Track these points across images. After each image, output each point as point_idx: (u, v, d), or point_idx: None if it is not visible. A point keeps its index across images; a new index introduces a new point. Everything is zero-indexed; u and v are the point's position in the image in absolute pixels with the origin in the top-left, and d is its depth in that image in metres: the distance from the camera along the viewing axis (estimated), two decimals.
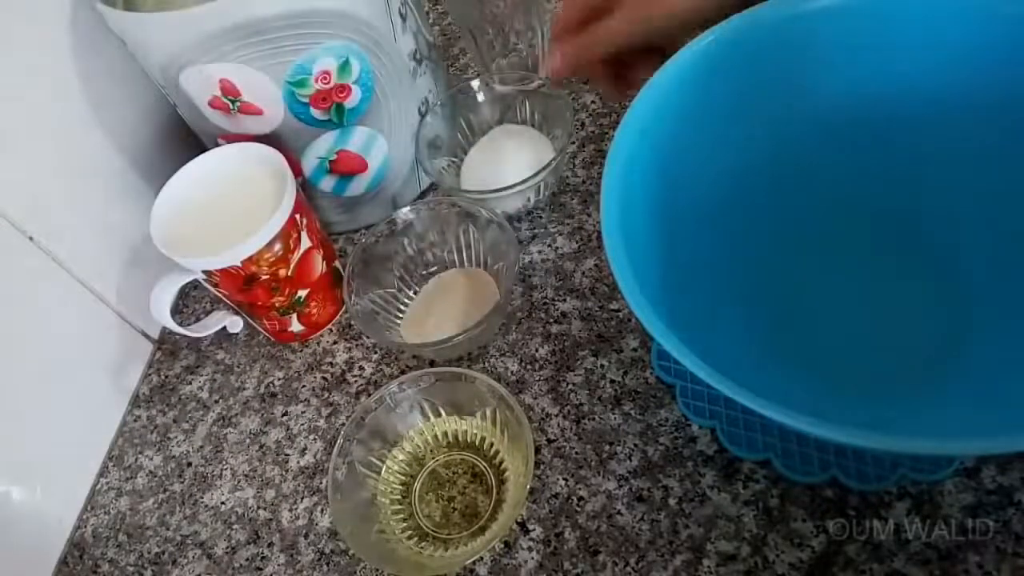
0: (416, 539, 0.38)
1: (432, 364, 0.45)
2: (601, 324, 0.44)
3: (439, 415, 0.41)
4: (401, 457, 0.41)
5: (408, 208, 0.46)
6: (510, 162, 0.48)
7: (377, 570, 0.38)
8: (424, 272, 0.48)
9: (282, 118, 0.43)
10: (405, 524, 0.39)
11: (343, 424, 0.44)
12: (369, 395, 0.42)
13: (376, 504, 0.39)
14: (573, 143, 0.53)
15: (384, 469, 0.40)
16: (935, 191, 0.37)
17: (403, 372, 0.45)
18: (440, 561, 0.37)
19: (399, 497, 0.40)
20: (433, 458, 0.41)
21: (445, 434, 0.41)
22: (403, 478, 0.41)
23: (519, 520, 0.38)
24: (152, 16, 0.38)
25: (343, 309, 0.49)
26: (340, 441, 0.38)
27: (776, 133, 0.38)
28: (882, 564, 0.33)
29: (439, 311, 0.46)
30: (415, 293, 0.47)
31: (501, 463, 0.39)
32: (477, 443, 0.41)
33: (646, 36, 0.37)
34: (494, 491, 0.39)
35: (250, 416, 0.46)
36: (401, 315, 0.46)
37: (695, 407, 0.39)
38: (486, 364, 0.44)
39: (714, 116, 0.36)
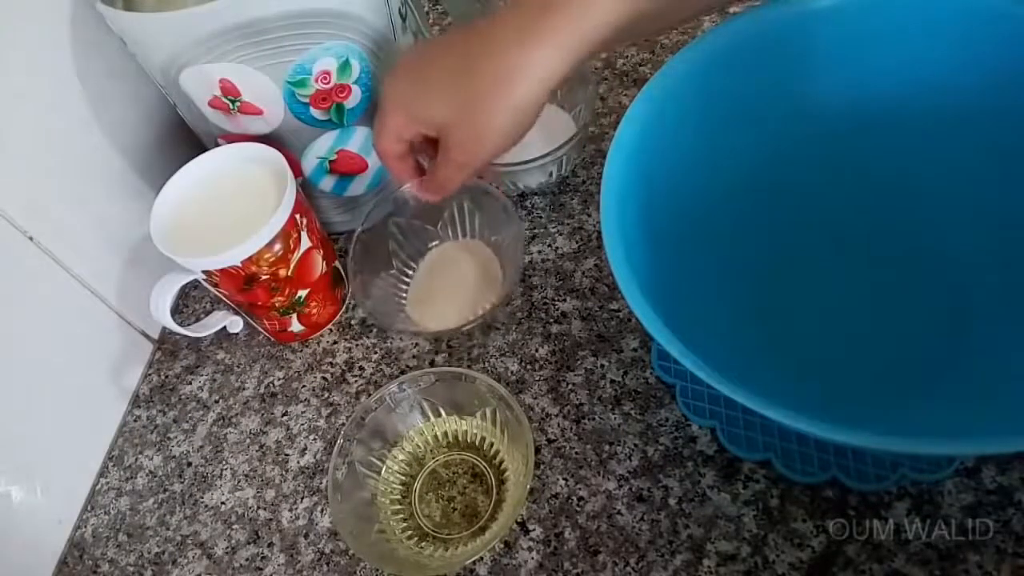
0: (416, 539, 0.38)
1: (432, 364, 0.45)
2: (601, 324, 0.44)
3: (439, 415, 0.41)
4: (401, 457, 0.41)
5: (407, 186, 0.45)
6: (532, 136, 0.48)
7: (377, 570, 0.38)
8: (422, 247, 0.48)
9: (282, 118, 0.43)
10: (405, 524, 0.39)
11: (343, 424, 0.44)
12: (369, 395, 0.42)
13: (376, 504, 0.39)
14: (598, 112, 0.53)
15: (384, 469, 0.40)
16: (934, 191, 0.37)
17: (403, 372, 0.45)
18: (440, 561, 0.37)
19: (399, 497, 0.40)
20: (433, 458, 0.41)
21: (445, 434, 0.41)
22: (403, 478, 0.41)
23: (519, 520, 0.38)
24: (152, 16, 0.38)
25: (343, 309, 0.49)
26: (340, 441, 0.38)
27: (776, 133, 0.38)
28: (882, 564, 0.33)
29: (444, 287, 0.46)
30: (416, 268, 0.48)
31: (501, 463, 0.39)
32: (477, 443, 0.41)
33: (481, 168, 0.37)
34: (494, 491, 0.39)
35: (250, 416, 0.46)
36: (406, 294, 0.46)
37: (695, 407, 0.39)
38: (486, 364, 0.44)
39: (715, 116, 0.36)
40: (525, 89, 0.32)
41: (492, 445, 0.40)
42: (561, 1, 0.30)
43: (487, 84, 0.32)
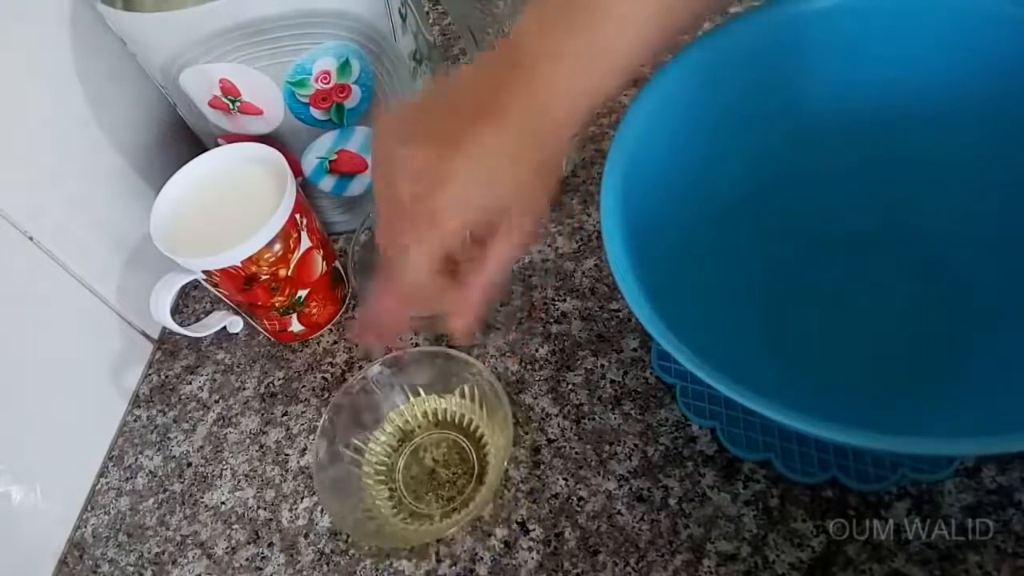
0: (401, 516, 0.39)
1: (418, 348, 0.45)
2: (601, 324, 0.44)
3: (418, 395, 0.42)
4: (383, 438, 0.42)
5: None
6: None
7: (377, 570, 0.38)
8: None
9: (282, 118, 0.43)
10: (390, 503, 0.40)
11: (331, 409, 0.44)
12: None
13: (361, 484, 0.40)
14: (598, 112, 0.53)
15: (368, 451, 0.41)
16: (936, 193, 0.37)
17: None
18: (424, 534, 0.38)
19: (383, 478, 0.41)
20: (415, 437, 0.42)
21: (426, 413, 0.42)
22: (386, 458, 0.41)
23: (519, 520, 0.38)
24: (152, 16, 0.38)
25: (343, 309, 0.49)
26: (323, 423, 0.39)
27: (777, 133, 0.38)
28: (882, 564, 0.33)
29: None
30: None
31: (481, 437, 0.40)
32: (458, 420, 0.42)
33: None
34: (475, 465, 0.40)
35: (250, 416, 0.46)
36: None
37: (695, 407, 0.39)
38: (486, 363, 0.44)
39: (715, 115, 0.36)
40: (566, 150, 0.30)
41: (472, 421, 0.41)
42: (575, 53, 0.28)
43: (549, 158, 0.29)
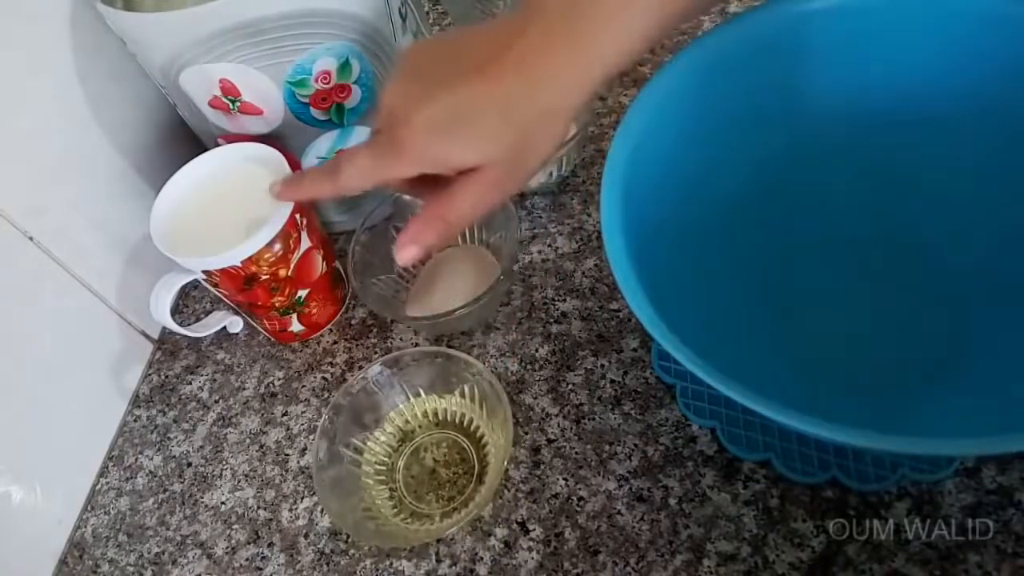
0: (401, 515, 0.39)
1: (418, 347, 0.45)
2: (601, 324, 0.44)
3: (419, 395, 0.42)
4: (383, 438, 0.42)
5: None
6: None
7: (377, 570, 0.38)
8: None
9: (282, 118, 0.43)
10: (390, 502, 0.40)
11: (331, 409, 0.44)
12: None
13: (360, 483, 0.40)
14: (598, 112, 0.53)
15: (367, 450, 0.41)
16: (936, 193, 0.37)
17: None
18: (424, 534, 0.38)
19: (383, 478, 0.41)
20: (415, 437, 0.42)
21: (426, 413, 0.42)
22: (386, 458, 0.41)
23: (519, 520, 0.38)
24: (152, 16, 0.38)
25: (343, 309, 0.49)
26: (323, 423, 0.39)
27: (776, 133, 0.38)
28: (882, 564, 0.33)
29: (442, 289, 0.46)
30: (416, 274, 0.48)
31: (482, 438, 0.40)
32: (458, 420, 0.42)
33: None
34: (476, 465, 0.40)
35: (250, 416, 0.46)
36: (405, 299, 0.47)
37: (695, 407, 0.39)
38: (486, 363, 0.44)
39: (715, 115, 0.36)
40: (571, 113, 0.30)
41: (472, 421, 0.41)
42: (592, 12, 0.28)
43: (538, 116, 0.29)
